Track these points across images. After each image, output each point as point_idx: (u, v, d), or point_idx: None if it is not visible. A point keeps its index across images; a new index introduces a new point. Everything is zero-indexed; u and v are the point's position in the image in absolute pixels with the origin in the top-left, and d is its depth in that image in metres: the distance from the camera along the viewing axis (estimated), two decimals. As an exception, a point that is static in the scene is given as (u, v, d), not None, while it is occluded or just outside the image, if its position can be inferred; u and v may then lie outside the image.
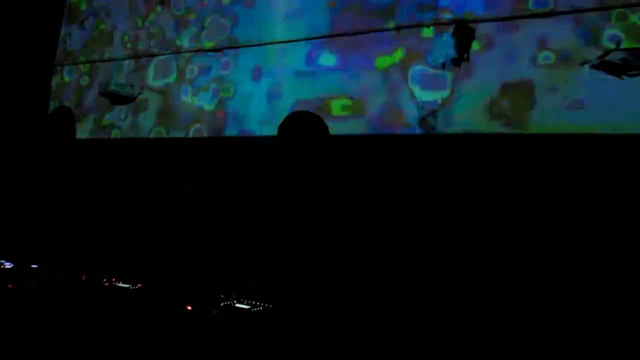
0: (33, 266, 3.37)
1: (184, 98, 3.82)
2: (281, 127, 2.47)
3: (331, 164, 2.43)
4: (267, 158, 3.11)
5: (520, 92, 2.66)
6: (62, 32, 4.62)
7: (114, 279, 3.12)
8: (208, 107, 3.70)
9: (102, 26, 4.37)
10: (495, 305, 2.42)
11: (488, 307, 2.42)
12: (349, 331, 2.29)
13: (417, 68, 2.96)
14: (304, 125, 2.41)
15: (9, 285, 2.93)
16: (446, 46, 2.88)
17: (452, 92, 2.84)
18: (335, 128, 3.02)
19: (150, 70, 4.02)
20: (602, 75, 2.48)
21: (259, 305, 2.59)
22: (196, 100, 3.76)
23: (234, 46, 3.65)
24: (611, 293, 2.26)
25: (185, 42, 3.89)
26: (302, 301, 2.46)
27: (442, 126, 2.83)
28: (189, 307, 2.62)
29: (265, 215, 2.95)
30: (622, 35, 2.46)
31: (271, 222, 2.72)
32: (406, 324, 2.39)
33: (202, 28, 3.83)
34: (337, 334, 2.26)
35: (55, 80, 4.56)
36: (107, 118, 4.16)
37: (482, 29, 2.81)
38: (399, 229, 2.75)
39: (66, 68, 4.53)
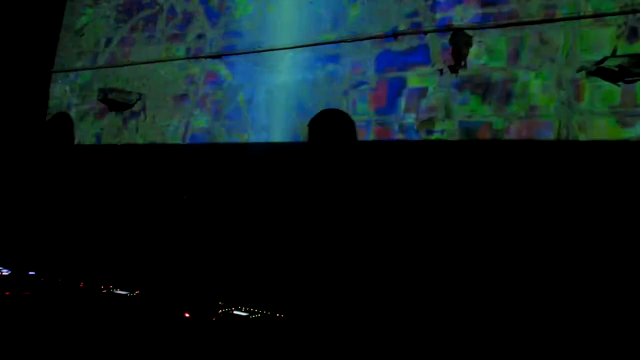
0: (31, 273, 3.36)
1: (182, 104, 3.82)
2: (311, 125, 2.43)
3: (357, 165, 2.41)
4: (295, 158, 3.08)
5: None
6: (61, 39, 4.62)
7: (112, 286, 3.11)
8: (207, 114, 3.71)
9: (101, 33, 4.38)
10: (503, 309, 2.42)
11: (493, 312, 2.42)
12: (356, 338, 2.28)
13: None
14: (332, 123, 2.38)
15: (7, 293, 2.92)
16: (443, 53, 2.90)
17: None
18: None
19: (150, 77, 4.03)
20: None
21: (258, 313, 2.59)
22: (195, 106, 3.76)
23: (233, 53, 3.66)
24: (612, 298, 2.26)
25: (183, 49, 3.90)
26: (316, 308, 2.45)
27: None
28: (187, 315, 2.62)
29: (289, 217, 2.92)
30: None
31: (298, 223, 2.70)
32: (407, 325, 2.38)
33: (201, 35, 3.84)
34: (343, 342, 2.26)
35: (53, 87, 4.57)
36: (106, 125, 4.16)
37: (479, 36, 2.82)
38: (396, 235, 2.75)
39: (65, 75, 4.53)
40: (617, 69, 2.43)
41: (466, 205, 2.65)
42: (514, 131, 2.67)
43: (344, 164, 2.36)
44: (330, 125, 2.37)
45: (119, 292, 3.08)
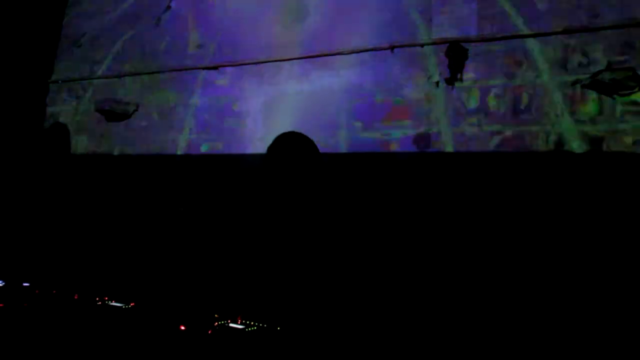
0: (25, 284, 3.33)
1: (179, 114, 3.83)
2: (270, 148, 2.49)
3: (321, 183, 2.44)
4: (257, 178, 3.11)
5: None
6: (58, 49, 4.63)
7: (106, 298, 3.09)
8: (204, 124, 3.71)
9: (98, 43, 4.40)
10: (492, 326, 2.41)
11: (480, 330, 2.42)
12: (346, 350, 2.27)
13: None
14: (293, 145, 2.42)
15: (0, 304, 2.89)
16: (440, 66, 2.92)
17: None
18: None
19: (147, 87, 4.04)
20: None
21: (254, 325, 2.57)
22: (191, 117, 3.77)
23: (230, 64, 3.68)
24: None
25: (180, 59, 3.91)
26: (297, 319, 2.44)
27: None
28: (183, 327, 2.60)
29: (257, 232, 2.94)
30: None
31: (262, 240, 2.71)
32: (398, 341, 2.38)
33: (198, 45, 3.86)
34: (334, 353, 2.25)
35: (50, 97, 4.57)
36: (103, 135, 4.16)
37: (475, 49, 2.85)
38: (393, 247, 2.75)
39: (61, 85, 4.53)
40: (611, 82, 2.46)
41: (465, 215, 2.65)
42: (510, 143, 2.68)
43: (306, 179, 2.39)
44: (291, 145, 2.42)
45: (113, 303, 3.06)
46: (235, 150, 3.55)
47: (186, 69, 3.85)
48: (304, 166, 2.38)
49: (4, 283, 3.34)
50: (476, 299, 2.49)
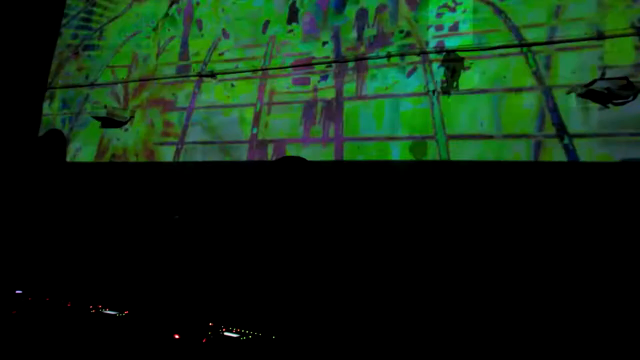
0: (17, 292, 3.31)
1: (176, 122, 3.83)
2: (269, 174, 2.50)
3: (311, 190, 2.45)
4: (256, 184, 3.11)
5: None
6: (55, 55, 4.64)
7: (100, 306, 3.07)
8: (201, 132, 3.71)
9: (95, 51, 4.40)
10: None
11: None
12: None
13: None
14: (290, 172, 2.45)
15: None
16: (436, 74, 2.93)
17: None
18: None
19: (144, 94, 4.04)
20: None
21: (248, 334, 2.56)
22: (188, 124, 3.77)
23: (228, 72, 3.68)
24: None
25: (178, 67, 3.92)
26: (293, 327, 2.43)
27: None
28: (177, 336, 2.58)
29: (254, 239, 2.93)
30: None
31: (259, 247, 2.71)
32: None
33: (195, 52, 3.87)
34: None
35: (46, 103, 4.56)
36: (99, 142, 4.16)
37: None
38: (387, 256, 2.74)
39: (59, 91, 4.53)
40: (605, 91, 2.46)
41: (462, 222, 2.66)
42: (508, 151, 2.69)
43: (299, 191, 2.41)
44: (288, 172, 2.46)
45: (107, 311, 3.04)
46: (231, 157, 3.54)
47: (184, 76, 3.86)
48: (295, 174, 2.40)
49: (-3, 291, 3.31)
50: (477, 304, 2.48)
